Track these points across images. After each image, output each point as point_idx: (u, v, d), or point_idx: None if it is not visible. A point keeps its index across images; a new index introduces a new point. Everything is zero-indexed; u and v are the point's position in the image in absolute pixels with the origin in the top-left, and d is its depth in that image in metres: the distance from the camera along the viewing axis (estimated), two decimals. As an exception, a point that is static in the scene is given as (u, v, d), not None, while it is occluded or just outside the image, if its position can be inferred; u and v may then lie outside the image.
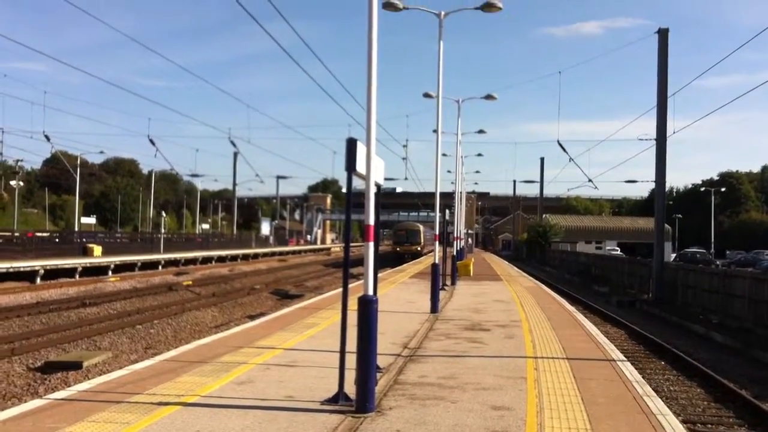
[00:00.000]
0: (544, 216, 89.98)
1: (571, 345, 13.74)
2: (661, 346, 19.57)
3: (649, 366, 16.88)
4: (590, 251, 75.68)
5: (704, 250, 76.38)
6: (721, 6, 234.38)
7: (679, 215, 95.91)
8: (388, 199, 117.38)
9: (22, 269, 34.69)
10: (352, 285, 13.32)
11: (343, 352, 8.72)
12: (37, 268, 35.64)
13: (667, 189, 42.17)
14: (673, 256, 72.36)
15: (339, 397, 8.56)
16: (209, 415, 7.94)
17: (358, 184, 9.14)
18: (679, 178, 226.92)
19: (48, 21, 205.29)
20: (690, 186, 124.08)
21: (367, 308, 8.40)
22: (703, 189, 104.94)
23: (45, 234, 58.95)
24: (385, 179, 11.33)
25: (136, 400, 8.57)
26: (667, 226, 59.07)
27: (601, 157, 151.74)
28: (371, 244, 8.73)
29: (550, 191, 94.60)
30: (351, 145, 8.68)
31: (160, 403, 8.39)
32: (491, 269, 46.50)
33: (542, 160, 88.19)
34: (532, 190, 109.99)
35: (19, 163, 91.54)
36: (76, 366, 15.31)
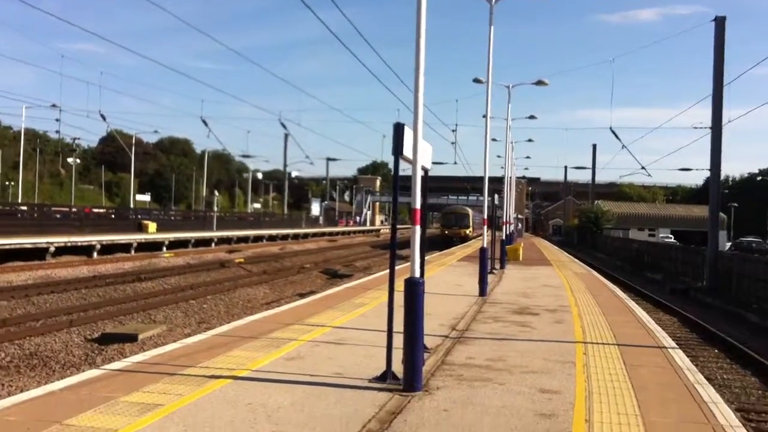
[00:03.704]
0: (596, 202, 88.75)
1: (622, 331, 13.59)
2: (714, 334, 19.23)
3: (702, 354, 16.58)
4: (643, 238, 74.47)
5: (761, 240, 74.57)
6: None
7: (735, 204, 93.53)
8: (436, 183, 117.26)
9: (79, 244, 35.64)
10: (400, 267, 13.37)
11: (390, 331, 8.76)
12: (94, 243, 36.57)
13: (722, 177, 41.18)
14: (728, 245, 70.76)
15: (387, 376, 8.63)
16: (259, 389, 8.09)
17: (406, 167, 9.14)
18: (734, 167, 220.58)
19: (105, 4, 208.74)
20: (746, 175, 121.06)
21: (414, 289, 8.44)
22: (759, 178, 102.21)
23: (101, 210, 60.33)
24: (434, 163, 11.30)
25: (189, 372, 8.78)
26: (722, 214, 57.80)
27: (654, 144, 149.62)
28: (418, 228, 8.71)
29: (602, 178, 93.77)
30: (398, 129, 8.66)
31: (212, 376, 8.58)
32: (541, 254, 46.15)
33: (594, 146, 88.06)
34: (584, 177, 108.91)
35: (76, 141, 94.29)
36: (131, 338, 15.69)
